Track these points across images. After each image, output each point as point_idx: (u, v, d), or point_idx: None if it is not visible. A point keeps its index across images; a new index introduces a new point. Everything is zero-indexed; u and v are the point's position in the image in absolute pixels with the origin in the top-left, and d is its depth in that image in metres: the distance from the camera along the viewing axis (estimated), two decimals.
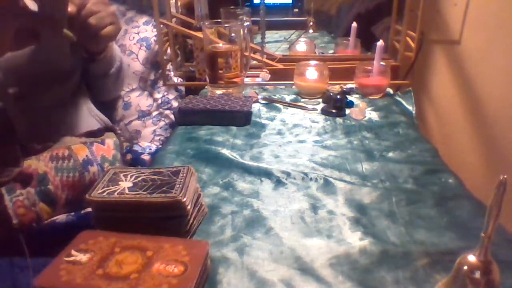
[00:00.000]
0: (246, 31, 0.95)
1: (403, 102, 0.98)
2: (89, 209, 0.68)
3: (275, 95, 1.02)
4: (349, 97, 0.94)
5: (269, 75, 1.08)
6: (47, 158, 0.64)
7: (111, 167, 0.60)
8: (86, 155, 0.69)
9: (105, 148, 0.73)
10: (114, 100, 1.05)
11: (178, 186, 0.51)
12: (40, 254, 0.53)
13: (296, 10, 1.58)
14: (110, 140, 0.76)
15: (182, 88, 1.25)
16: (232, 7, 1.16)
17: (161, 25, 1.04)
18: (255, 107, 0.95)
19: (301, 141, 0.78)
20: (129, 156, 0.98)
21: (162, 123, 1.10)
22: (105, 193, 0.50)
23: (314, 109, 0.93)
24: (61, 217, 0.66)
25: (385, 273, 0.45)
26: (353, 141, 0.77)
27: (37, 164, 0.63)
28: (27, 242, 0.57)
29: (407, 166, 0.67)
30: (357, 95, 1.01)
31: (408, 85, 1.06)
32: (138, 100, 1.09)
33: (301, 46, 1.31)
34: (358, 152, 0.73)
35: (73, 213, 0.68)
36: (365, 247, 0.49)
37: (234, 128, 0.84)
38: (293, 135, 0.81)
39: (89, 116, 0.82)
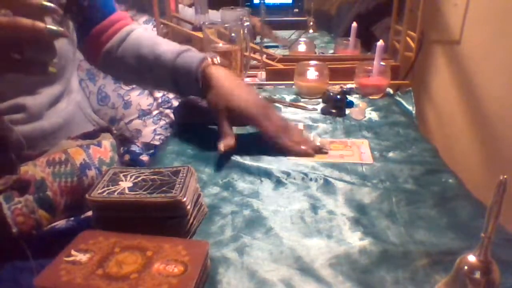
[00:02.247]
0: (246, 31, 0.95)
1: (403, 102, 0.98)
2: (89, 214, 0.68)
3: (275, 95, 1.02)
4: (349, 97, 0.94)
5: (264, 76, 1.09)
6: (43, 164, 0.63)
7: (110, 167, 0.60)
8: (84, 159, 0.68)
9: (102, 151, 0.72)
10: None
11: (178, 186, 0.51)
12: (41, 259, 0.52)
13: (296, 10, 1.58)
14: (107, 142, 0.75)
15: None
16: (232, 7, 1.16)
17: (161, 25, 1.04)
18: None
19: None
20: (127, 157, 0.98)
21: (162, 122, 1.10)
22: (105, 193, 0.50)
23: (314, 109, 0.93)
24: (60, 223, 0.66)
25: (385, 273, 0.45)
26: None
27: (34, 170, 0.62)
28: (28, 249, 0.56)
29: (407, 166, 0.67)
30: (357, 95, 1.01)
31: (408, 85, 1.06)
32: (139, 99, 1.09)
33: (301, 46, 1.31)
34: None
35: (72, 218, 0.67)
36: (365, 247, 0.49)
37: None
38: None
39: (85, 120, 0.81)
